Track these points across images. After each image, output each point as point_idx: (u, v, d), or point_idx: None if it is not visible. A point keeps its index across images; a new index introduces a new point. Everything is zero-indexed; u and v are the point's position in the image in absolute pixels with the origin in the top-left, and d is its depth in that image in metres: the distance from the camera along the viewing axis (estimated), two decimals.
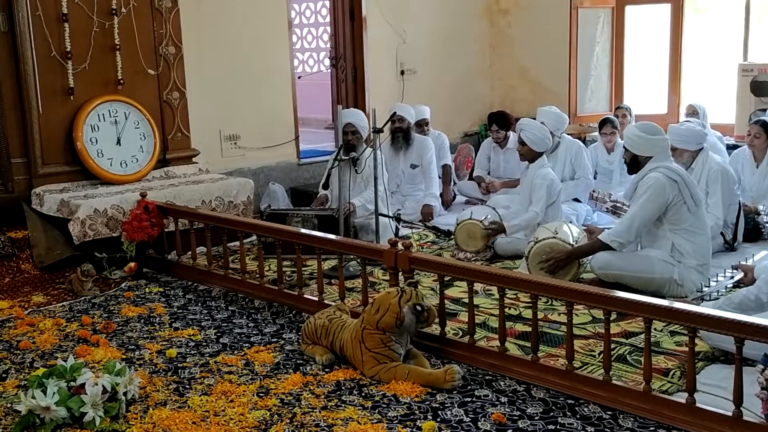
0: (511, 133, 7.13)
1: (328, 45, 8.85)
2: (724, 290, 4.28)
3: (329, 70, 8.81)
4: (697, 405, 2.95)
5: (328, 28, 8.86)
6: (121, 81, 5.72)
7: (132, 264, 5.13)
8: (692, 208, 4.45)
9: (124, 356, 3.81)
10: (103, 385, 3.07)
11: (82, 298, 4.78)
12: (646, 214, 4.46)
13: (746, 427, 2.82)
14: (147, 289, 4.92)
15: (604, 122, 6.90)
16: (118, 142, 5.74)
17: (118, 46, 5.67)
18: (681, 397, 3.03)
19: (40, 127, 5.46)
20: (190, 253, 5.14)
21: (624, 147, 4.75)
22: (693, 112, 6.87)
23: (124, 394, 3.16)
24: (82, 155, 5.57)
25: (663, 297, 4.05)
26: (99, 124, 5.66)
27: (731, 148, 6.70)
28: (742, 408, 2.84)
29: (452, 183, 7.28)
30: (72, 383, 3.10)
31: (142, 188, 5.43)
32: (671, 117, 7.94)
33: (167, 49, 5.98)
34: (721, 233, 5.37)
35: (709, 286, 4.30)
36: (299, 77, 8.07)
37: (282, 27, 7.16)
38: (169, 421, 3.10)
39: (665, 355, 3.64)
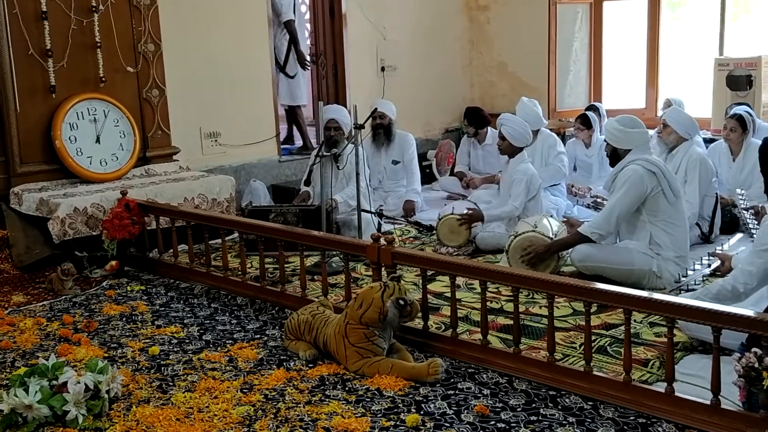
0: (489, 129, 7.18)
1: (308, 42, 8.82)
2: (701, 280, 4.35)
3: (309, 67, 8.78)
4: (676, 394, 2.99)
5: (308, 25, 8.84)
6: (103, 79, 5.68)
7: (113, 262, 5.11)
8: (671, 199, 4.52)
9: (106, 354, 3.79)
10: (85, 384, 3.06)
11: (63, 297, 4.75)
12: (624, 206, 4.51)
13: (724, 415, 2.86)
14: (129, 288, 4.90)
15: (576, 118, 7.04)
16: (98, 141, 5.70)
17: (98, 44, 5.63)
18: (660, 387, 3.07)
19: (18, 126, 5.40)
20: (171, 250, 5.12)
21: (605, 140, 4.82)
22: (669, 106, 6.94)
23: (107, 392, 3.15)
24: (61, 154, 5.53)
25: (642, 289, 4.10)
26: (78, 122, 5.62)
27: (708, 141, 6.77)
28: (720, 396, 2.88)
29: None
30: (54, 382, 3.09)
31: (122, 186, 5.40)
32: (649, 111, 8.02)
33: (146, 46, 5.94)
34: (698, 224, 5.45)
35: (686, 276, 4.37)
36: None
37: (262, 23, 7.14)
38: (152, 418, 3.09)
39: (645, 346, 3.70)
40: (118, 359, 3.74)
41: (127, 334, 4.10)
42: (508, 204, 5.46)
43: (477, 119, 7.18)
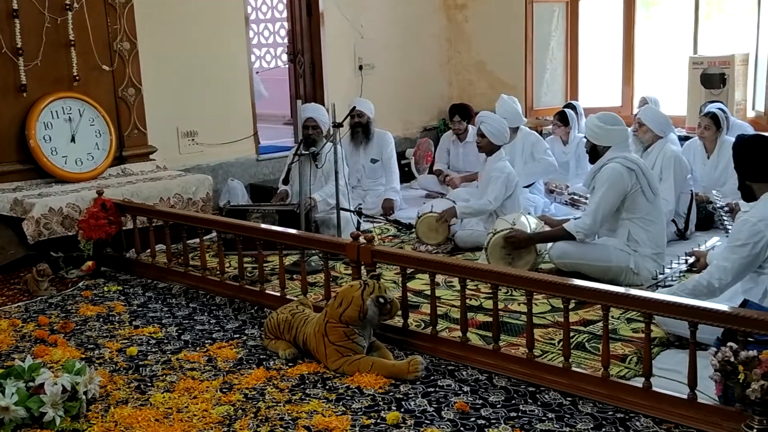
0: (470, 126, 7.20)
1: (286, 40, 8.79)
2: (678, 276, 4.39)
3: (287, 66, 8.77)
4: (654, 389, 3.02)
5: (285, 24, 8.81)
6: (77, 77, 5.62)
7: (89, 263, 5.06)
8: (649, 197, 4.56)
9: (83, 355, 3.75)
10: (62, 385, 3.03)
11: (39, 298, 4.69)
12: (607, 204, 4.56)
13: (701, 409, 2.90)
14: (105, 288, 4.85)
15: (555, 115, 7.09)
16: (73, 140, 5.64)
17: (72, 42, 5.57)
18: (638, 382, 3.10)
19: None
20: (149, 250, 5.08)
21: (584, 137, 4.85)
22: (645, 104, 7.00)
23: (85, 393, 3.12)
24: (36, 153, 5.46)
25: (619, 285, 4.14)
26: (52, 121, 5.55)
27: (683, 139, 6.84)
28: (696, 391, 2.92)
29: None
30: (30, 383, 3.06)
31: (98, 186, 5.35)
32: (625, 109, 8.08)
33: (122, 44, 5.89)
34: (674, 221, 5.51)
35: (663, 274, 4.41)
36: (257, 73, 8.02)
37: (239, 22, 7.10)
38: (131, 419, 3.06)
39: (622, 342, 3.73)
40: (96, 360, 3.70)
41: (105, 334, 4.06)
42: (483, 198, 5.48)
43: (468, 113, 7.19)
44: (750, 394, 2.57)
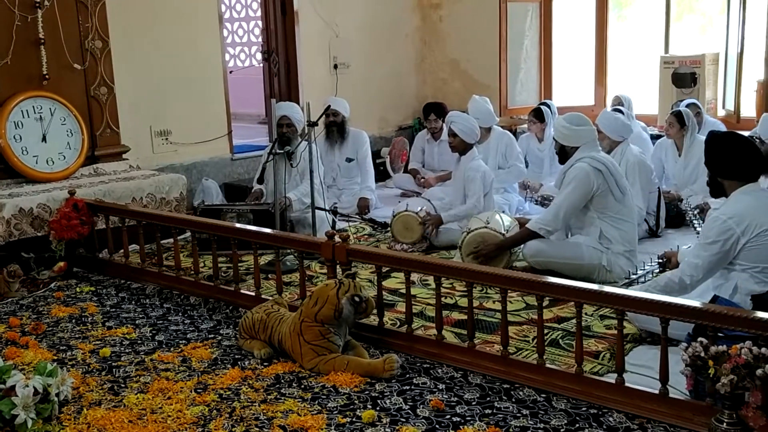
0: (444, 125, 7.22)
1: (260, 39, 8.74)
2: (651, 276, 4.44)
3: (261, 65, 8.74)
4: (626, 385, 3.06)
5: (260, 23, 8.76)
6: (46, 76, 5.55)
7: (61, 263, 5.00)
8: (618, 196, 4.60)
9: (55, 357, 3.71)
10: (34, 387, 2.99)
11: (9, 299, 4.63)
12: (571, 203, 4.59)
13: (672, 404, 2.94)
14: (78, 289, 4.80)
15: (530, 112, 7.13)
16: (44, 139, 5.57)
17: (42, 40, 5.50)
18: (611, 378, 3.13)
19: None
20: (122, 251, 5.03)
21: (554, 137, 4.89)
22: (619, 103, 7.07)
23: (57, 395, 3.09)
24: (6, 153, 5.38)
25: (593, 283, 4.17)
26: (23, 120, 5.47)
27: (655, 138, 6.93)
28: (668, 386, 2.95)
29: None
30: (2, 386, 3.01)
31: (70, 186, 5.29)
32: (598, 108, 8.14)
33: (93, 43, 5.82)
34: (645, 220, 5.57)
35: (636, 273, 4.46)
36: (231, 72, 7.97)
37: (212, 21, 7.06)
38: (104, 420, 3.04)
39: (596, 339, 3.77)
40: (68, 362, 3.66)
41: (77, 336, 4.02)
42: (468, 203, 5.50)
43: (443, 112, 7.21)
44: (720, 389, 2.61)
